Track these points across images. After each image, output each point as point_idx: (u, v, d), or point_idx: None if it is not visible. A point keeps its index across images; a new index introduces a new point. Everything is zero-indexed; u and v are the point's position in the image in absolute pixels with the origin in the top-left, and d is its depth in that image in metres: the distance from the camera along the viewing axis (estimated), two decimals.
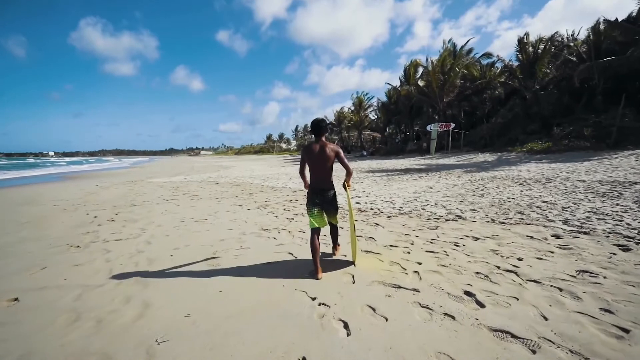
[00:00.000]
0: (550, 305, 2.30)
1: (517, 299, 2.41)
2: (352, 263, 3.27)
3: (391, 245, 3.86)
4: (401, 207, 6.13)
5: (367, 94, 41.27)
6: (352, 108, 42.40)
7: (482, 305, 2.35)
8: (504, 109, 23.90)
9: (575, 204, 5.52)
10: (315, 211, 3.08)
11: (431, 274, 2.97)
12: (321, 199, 3.08)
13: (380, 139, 39.30)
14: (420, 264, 3.23)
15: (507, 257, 3.28)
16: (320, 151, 2.96)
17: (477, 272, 2.94)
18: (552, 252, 3.35)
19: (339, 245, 3.57)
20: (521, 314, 2.21)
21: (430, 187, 8.51)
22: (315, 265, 3.00)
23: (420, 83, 27.29)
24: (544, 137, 17.25)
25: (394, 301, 2.49)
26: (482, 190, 7.66)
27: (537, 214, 5.03)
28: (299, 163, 3.22)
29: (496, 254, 3.41)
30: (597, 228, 4.09)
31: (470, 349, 1.88)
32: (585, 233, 3.95)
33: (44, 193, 10.69)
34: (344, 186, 3.11)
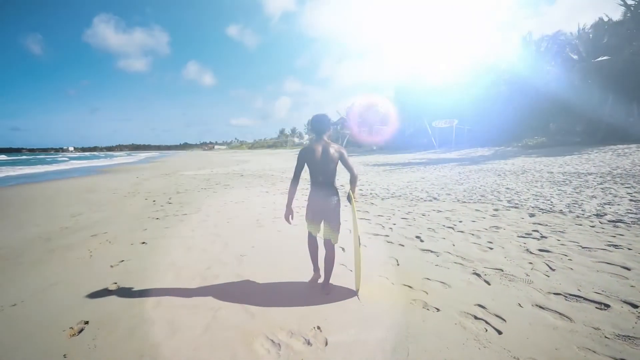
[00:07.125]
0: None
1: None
2: (355, 293, 2.79)
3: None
4: (394, 192, 7.83)
5: (376, 89, 42.84)
6: (364, 103, 44.01)
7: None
8: (511, 106, 24.99)
9: (528, 190, 7.10)
10: (315, 221, 2.84)
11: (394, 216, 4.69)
12: (323, 206, 2.74)
13: (391, 133, 40.70)
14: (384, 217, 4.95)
15: (453, 221, 4.97)
16: (324, 152, 2.67)
17: (429, 228, 4.65)
18: (484, 218, 5.02)
19: (330, 285, 2.84)
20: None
21: (423, 178, 10.14)
22: (314, 265, 2.99)
23: None
24: (540, 133, 18.47)
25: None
26: (463, 180, 9.26)
27: (493, 196, 6.65)
28: (294, 169, 2.75)
29: (447, 219, 5.10)
30: (526, 205, 5.72)
31: None
32: (515, 207, 5.59)
33: (99, 183, 12.82)
34: (349, 198, 2.74)
